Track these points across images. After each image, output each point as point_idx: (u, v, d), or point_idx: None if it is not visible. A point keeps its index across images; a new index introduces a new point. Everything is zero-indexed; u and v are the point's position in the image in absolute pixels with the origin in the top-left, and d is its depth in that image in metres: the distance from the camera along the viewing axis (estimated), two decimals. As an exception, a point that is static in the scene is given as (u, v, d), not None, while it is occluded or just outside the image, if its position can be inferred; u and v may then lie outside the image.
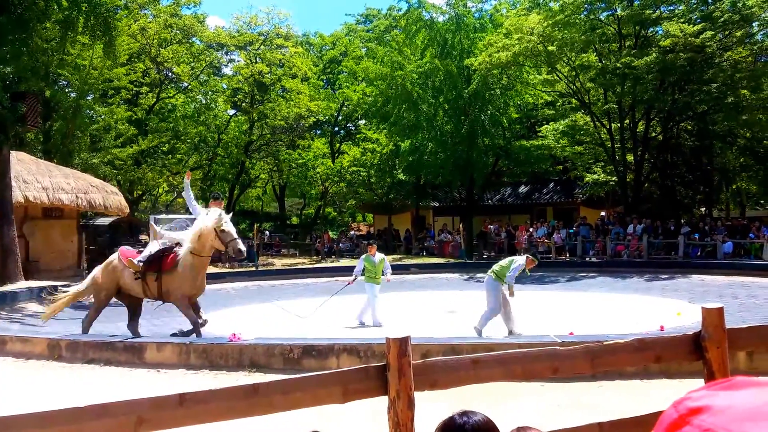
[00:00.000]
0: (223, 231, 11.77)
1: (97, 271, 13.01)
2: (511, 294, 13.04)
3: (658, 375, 8.38)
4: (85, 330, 12.74)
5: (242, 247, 12.09)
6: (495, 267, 13.31)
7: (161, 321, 16.66)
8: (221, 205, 13.06)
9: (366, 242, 17.47)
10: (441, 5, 37.81)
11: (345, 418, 6.71)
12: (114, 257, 12.81)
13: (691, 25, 26.41)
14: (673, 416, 1.12)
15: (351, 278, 16.30)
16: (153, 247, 12.52)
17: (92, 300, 13.38)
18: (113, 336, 12.22)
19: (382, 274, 15.87)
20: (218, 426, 3.73)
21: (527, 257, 13.45)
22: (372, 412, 6.15)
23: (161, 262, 12.08)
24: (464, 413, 2.14)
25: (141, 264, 12.13)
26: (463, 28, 35.26)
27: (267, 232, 42.17)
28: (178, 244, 12.26)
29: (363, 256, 16.11)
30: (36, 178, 25.58)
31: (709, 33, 25.99)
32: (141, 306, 13.42)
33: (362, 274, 15.96)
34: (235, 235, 11.98)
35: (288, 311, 16.54)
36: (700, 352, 4.00)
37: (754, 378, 1.14)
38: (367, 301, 16.12)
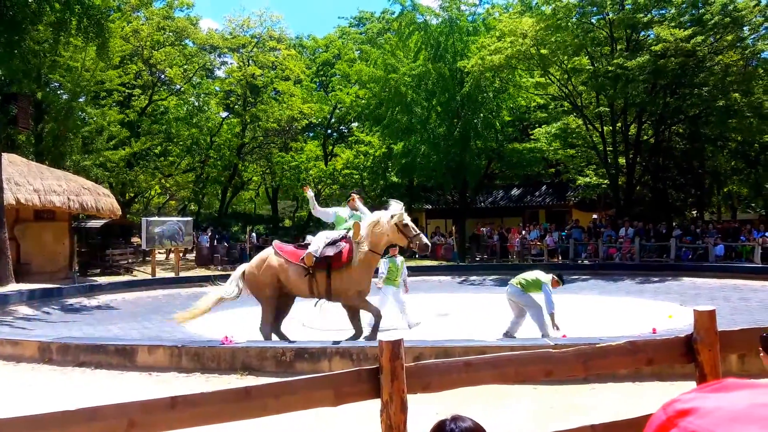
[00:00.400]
0: (405, 225, 11.30)
1: (249, 271, 12.18)
2: (554, 326, 12.65)
3: (651, 377, 8.39)
4: (268, 336, 11.88)
5: (428, 241, 11.69)
6: (521, 279, 13.01)
7: (152, 324, 16.63)
8: (361, 200, 12.73)
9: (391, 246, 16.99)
10: (434, 8, 37.85)
11: (339, 420, 6.70)
12: (268, 253, 12.10)
13: (682, 30, 26.48)
14: (661, 418, 1.12)
15: (378, 280, 15.36)
16: (320, 241, 11.75)
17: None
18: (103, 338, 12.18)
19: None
20: (210, 429, 3.72)
21: (553, 277, 13.06)
22: (365, 414, 6.14)
23: (334, 258, 11.38)
24: (455, 418, 2.14)
25: (314, 259, 11.41)
26: (457, 31, 35.30)
27: (254, 235, 42.02)
28: (345, 238, 11.63)
29: (387, 258, 15.69)
30: (28, 180, 25.50)
31: (699, 38, 26.07)
32: (291, 306, 12.68)
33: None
34: (418, 230, 11.57)
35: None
36: (692, 355, 4.01)
37: (746, 380, 1.14)
38: (394, 303, 15.58)
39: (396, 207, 11.48)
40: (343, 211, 12.45)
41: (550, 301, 12.37)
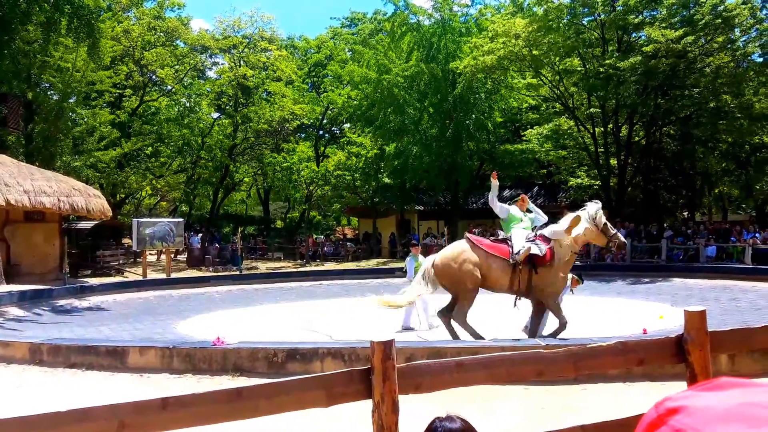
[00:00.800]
0: (605, 225, 11.38)
1: (444, 263, 11.70)
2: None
3: (641, 378, 8.41)
4: (465, 326, 11.52)
5: (624, 240, 11.76)
6: None
7: (143, 325, 16.60)
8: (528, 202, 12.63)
9: (412, 243, 16.91)
10: (427, 9, 37.89)
11: (331, 421, 6.70)
12: (462, 246, 11.85)
13: (673, 30, 26.55)
14: (652, 416, 1.13)
15: (409, 280, 15.27)
16: (521, 238, 11.59)
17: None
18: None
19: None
20: (202, 430, 3.71)
21: (573, 277, 13.13)
22: (357, 415, 6.14)
23: (541, 256, 11.22)
24: (444, 418, 2.15)
25: (517, 255, 11.26)
26: (449, 32, 35.36)
27: (235, 237, 42.07)
28: (538, 236, 11.54)
29: (410, 258, 15.60)
30: (18, 181, 25.38)
31: (690, 38, 26.13)
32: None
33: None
34: (614, 229, 11.57)
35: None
36: (682, 355, 4.02)
37: (739, 379, 1.14)
38: (419, 302, 14.79)
39: (594, 207, 11.56)
40: (516, 211, 12.34)
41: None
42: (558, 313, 11.61)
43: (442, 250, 12.26)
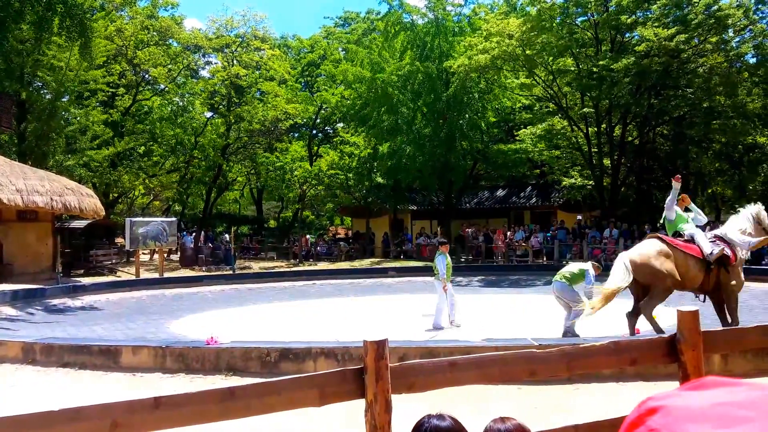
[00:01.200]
0: None
1: (645, 260, 11.94)
2: (590, 299, 12.86)
3: (634, 378, 8.42)
4: (651, 318, 12.07)
5: None
6: (565, 273, 13.32)
7: (136, 324, 16.58)
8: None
9: (441, 242, 16.89)
10: (421, 8, 37.90)
11: (324, 420, 6.70)
12: (658, 244, 12.09)
13: (666, 29, 26.58)
14: (634, 416, 1.14)
15: (444, 280, 15.18)
16: (703, 237, 12.03)
17: None
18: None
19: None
20: (195, 429, 3.71)
21: (592, 264, 13.49)
22: (351, 414, 6.14)
23: (730, 255, 11.60)
24: (434, 416, 2.16)
25: (711, 255, 11.59)
26: (443, 31, 35.36)
27: (226, 235, 41.95)
28: (719, 237, 11.98)
29: (441, 256, 15.59)
30: (10, 180, 25.31)
31: (682, 36, 26.16)
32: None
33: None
34: None
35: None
36: (675, 355, 4.02)
37: (725, 378, 1.15)
38: (444, 302, 15.38)
39: (756, 209, 11.94)
40: (681, 211, 12.76)
41: (590, 282, 13.06)
42: (736, 311, 12.03)
43: (638, 248, 12.57)
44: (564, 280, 13.13)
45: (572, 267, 13.49)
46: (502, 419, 2.19)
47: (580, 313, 12.84)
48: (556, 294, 13.38)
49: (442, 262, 15.25)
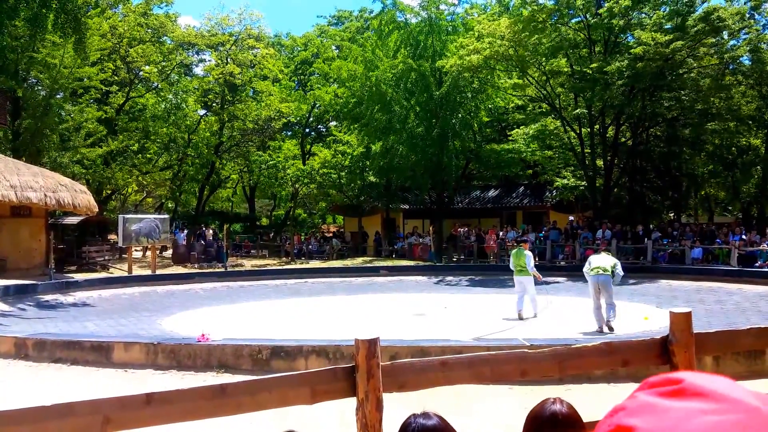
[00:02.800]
0: None
1: None
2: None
3: (626, 379, 8.45)
4: None
5: None
6: (606, 266, 13.80)
7: (128, 321, 16.56)
8: None
9: (521, 240, 17.30)
10: (414, 7, 37.89)
11: (314, 418, 6.70)
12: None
13: (663, 34, 26.60)
14: (603, 430, 1.11)
15: (538, 275, 16.41)
16: None
17: None
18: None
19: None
20: (185, 426, 3.72)
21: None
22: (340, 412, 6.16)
23: None
24: (420, 415, 2.17)
25: None
26: (436, 31, 35.35)
27: (211, 231, 41.90)
28: None
29: (528, 253, 16.32)
30: (4, 176, 25.27)
31: (680, 43, 26.19)
32: None
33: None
34: None
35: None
36: (667, 356, 4.03)
37: (704, 382, 1.12)
38: (531, 295, 16.65)
39: None
40: None
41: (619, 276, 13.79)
42: None
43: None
44: (607, 273, 13.55)
45: (606, 261, 13.85)
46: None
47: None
48: (599, 287, 13.76)
49: (530, 259, 16.19)
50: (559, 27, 29.53)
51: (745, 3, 28.09)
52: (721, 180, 36.22)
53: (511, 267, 16.82)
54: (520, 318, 16.11)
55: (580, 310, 17.30)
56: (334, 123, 48.19)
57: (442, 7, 37.68)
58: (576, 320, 15.66)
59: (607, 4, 28.05)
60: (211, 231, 41.70)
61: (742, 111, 30.22)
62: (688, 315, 4.07)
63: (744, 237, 25.79)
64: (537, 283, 16.73)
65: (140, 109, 45.73)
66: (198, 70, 50.48)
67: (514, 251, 16.90)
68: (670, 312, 4.09)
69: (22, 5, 20.84)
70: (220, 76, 44.01)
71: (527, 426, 2.34)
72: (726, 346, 5.06)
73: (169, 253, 38.93)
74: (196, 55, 49.13)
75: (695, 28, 26.55)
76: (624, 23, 28.07)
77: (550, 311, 17.67)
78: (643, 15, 28.82)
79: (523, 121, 36.00)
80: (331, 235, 51.19)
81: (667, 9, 28.42)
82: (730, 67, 29.96)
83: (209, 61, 48.70)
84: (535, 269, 16.32)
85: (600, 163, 31.92)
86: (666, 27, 27.73)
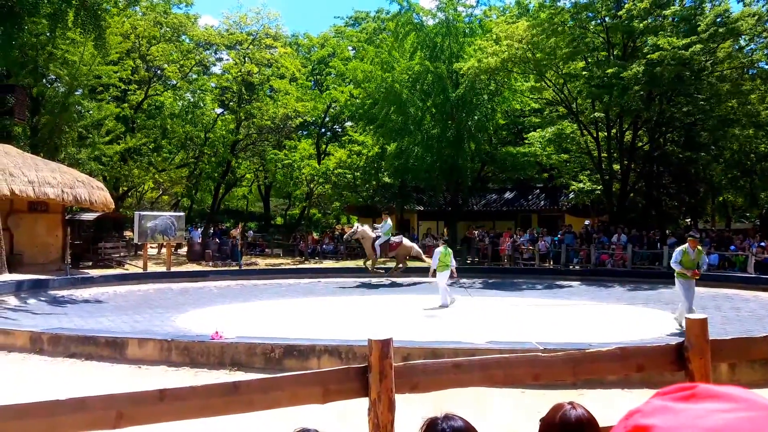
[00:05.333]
0: None
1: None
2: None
3: (640, 385, 8.39)
4: None
5: None
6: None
7: (142, 317, 16.61)
8: None
9: (691, 236, 17.08)
10: (431, 9, 37.84)
11: (328, 418, 6.70)
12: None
13: (679, 38, 26.46)
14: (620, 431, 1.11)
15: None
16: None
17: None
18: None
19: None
20: (198, 422, 3.72)
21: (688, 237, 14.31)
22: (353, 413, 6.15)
23: None
24: (446, 417, 2.16)
25: None
26: (453, 33, 35.31)
27: (251, 232, 42.06)
28: None
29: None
30: (22, 172, 25.45)
31: (698, 46, 26.04)
32: None
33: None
34: None
35: None
36: (682, 363, 4.00)
37: (717, 388, 1.11)
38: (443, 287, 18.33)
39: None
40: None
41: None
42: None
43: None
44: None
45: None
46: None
47: None
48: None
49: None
50: (577, 29, 29.43)
51: (763, 6, 27.87)
52: (739, 185, 35.96)
53: (435, 265, 18.56)
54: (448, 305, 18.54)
55: (593, 316, 17.23)
56: (349, 123, 48.22)
57: (460, 9, 37.64)
58: (590, 325, 15.57)
59: (627, 5, 27.91)
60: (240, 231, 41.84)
61: (761, 117, 29.98)
62: (704, 321, 4.05)
63: (762, 244, 25.60)
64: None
65: (158, 106, 45.93)
66: (216, 69, 50.67)
67: (444, 250, 18.67)
68: (686, 318, 4.07)
69: (44, 1, 20.94)
70: (238, 74, 44.13)
71: (543, 430, 2.32)
72: (742, 353, 5.02)
73: (184, 250, 39.05)
74: (214, 55, 49.29)
75: (708, 32, 26.40)
76: (644, 26, 27.89)
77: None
78: (660, 19, 28.61)
79: (539, 124, 35.88)
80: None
81: (677, 18, 28.29)
82: (749, 72, 29.77)
83: (227, 60, 48.86)
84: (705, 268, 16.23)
85: (617, 167, 31.78)
86: (679, 29, 27.62)
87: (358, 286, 25.19)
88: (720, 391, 1.09)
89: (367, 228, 26.85)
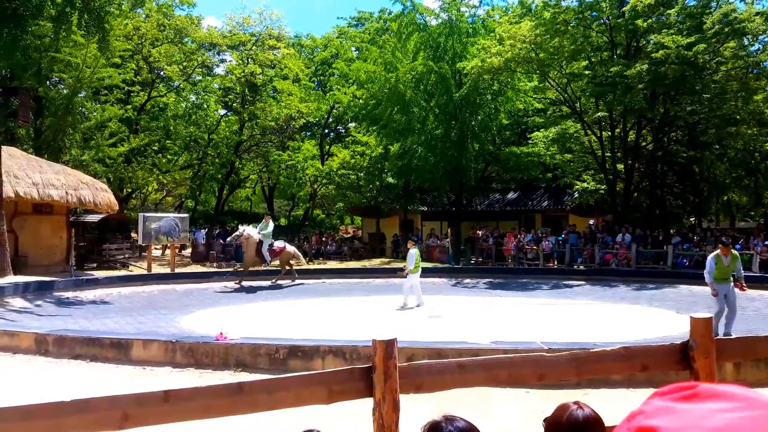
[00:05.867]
0: None
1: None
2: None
3: (645, 384, 8.38)
4: None
5: None
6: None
7: (147, 318, 16.64)
8: None
9: (722, 242, 16.92)
10: (434, 9, 37.79)
11: (333, 418, 6.70)
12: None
13: (684, 37, 26.42)
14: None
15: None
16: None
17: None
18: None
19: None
20: (202, 423, 3.73)
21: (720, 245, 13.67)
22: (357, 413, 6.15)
23: None
24: (449, 419, 2.15)
25: None
26: (456, 33, 35.28)
27: (202, 233, 42.03)
28: None
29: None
30: (27, 174, 25.52)
31: (702, 46, 25.98)
32: None
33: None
34: None
35: None
36: (687, 362, 4.00)
37: (718, 387, 1.11)
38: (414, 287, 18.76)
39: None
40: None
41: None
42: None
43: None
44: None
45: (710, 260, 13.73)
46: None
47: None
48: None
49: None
50: (581, 29, 29.40)
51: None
52: (744, 184, 35.90)
53: (411, 266, 18.71)
54: (414, 305, 18.82)
55: (597, 315, 17.22)
56: (353, 124, 48.20)
57: (463, 9, 37.61)
58: (594, 325, 15.56)
59: (630, 2, 27.84)
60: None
61: (766, 116, 29.92)
62: (709, 320, 4.05)
63: (766, 243, 25.54)
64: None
65: (161, 108, 45.95)
66: (219, 70, 50.69)
67: (417, 251, 19.20)
68: (691, 317, 4.06)
69: (48, 3, 20.97)
70: (242, 75, 44.14)
71: (548, 430, 2.32)
72: (747, 352, 5.01)
73: (188, 251, 39.08)
74: (217, 56, 49.29)
75: (713, 30, 26.36)
76: (647, 25, 27.85)
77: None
78: (663, 17, 28.56)
79: (543, 124, 35.86)
80: (349, 235, 51.23)
81: (682, 16, 28.22)
82: (754, 72, 29.71)
83: (230, 61, 48.86)
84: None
85: (621, 167, 31.74)
86: (683, 28, 27.56)
87: (362, 287, 25.20)
88: (721, 390, 1.09)
89: (251, 230, 25.94)
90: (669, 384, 1.21)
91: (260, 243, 25.30)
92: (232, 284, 25.58)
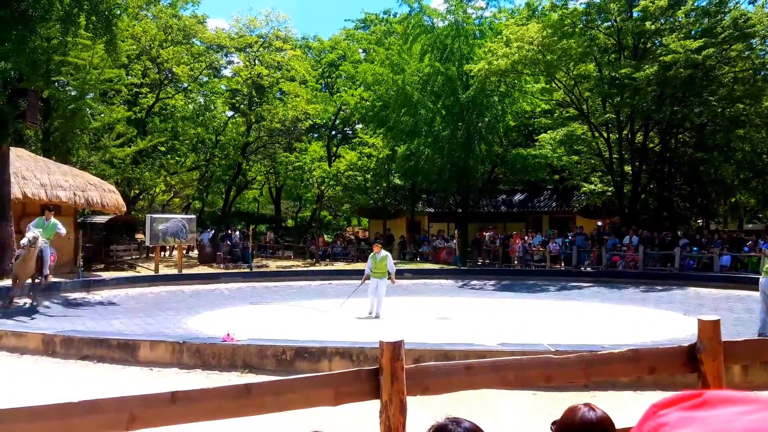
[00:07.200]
0: None
1: None
2: None
3: (652, 387, 8.36)
4: None
5: None
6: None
7: (154, 319, 16.65)
8: None
9: (378, 242, 17.22)
10: (441, 11, 37.79)
11: (340, 420, 6.71)
12: None
13: (692, 41, 26.36)
14: None
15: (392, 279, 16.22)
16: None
17: None
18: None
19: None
20: (209, 424, 3.73)
21: None
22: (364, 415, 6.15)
23: None
24: (455, 420, 2.15)
25: None
26: (463, 35, 35.28)
27: (238, 233, 42.01)
28: None
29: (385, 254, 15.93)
30: (35, 175, 25.58)
31: (711, 50, 25.93)
32: None
33: None
34: None
35: None
36: (695, 364, 3.98)
37: (723, 392, 1.10)
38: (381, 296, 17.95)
39: None
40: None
41: None
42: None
43: None
44: None
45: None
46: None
47: None
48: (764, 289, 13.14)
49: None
50: (589, 31, 29.36)
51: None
52: (753, 186, 35.80)
53: (369, 270, 18.16)
54: (377, 316, 17.67)
55: (604, 317, 17.19)
56: (360, 125, 48.23)
57: (470, 11, 37.62)
58: (601, 327, 15.53)
59: (642, 3, 27.74)
60: (238, 232, 41.74)
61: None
62: (717, 323, 4.03)
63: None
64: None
65: (169, 109, 46.04)
66: (226, 72, 50.77)
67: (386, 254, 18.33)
68: (698, 319, 4.05)
69: (56, 5, 21.01)
70: (249, 77, 44.20)
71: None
72: (755, 355, 5.00)
73: (195, 253, 39.12)
74: (224, 57, 49.38)
75: (723, 35, 26.31)
76: (655, 28, 27.79)
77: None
78: (671, 19, 28.52)
79: (550, 125, 35.78)
80: (355, 237, 51.23)
81: (693, 15, 28.15)
82: (761, 74, 29.63)
83: (237, 62, 48.94)
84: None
85: (628, 168, 31.66)
86: (692, 31, 27.49)
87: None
88: (728, 395, 1.08)
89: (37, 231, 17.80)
90: (678, 386, 1.20)
91: (39, 248, 17.91)
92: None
